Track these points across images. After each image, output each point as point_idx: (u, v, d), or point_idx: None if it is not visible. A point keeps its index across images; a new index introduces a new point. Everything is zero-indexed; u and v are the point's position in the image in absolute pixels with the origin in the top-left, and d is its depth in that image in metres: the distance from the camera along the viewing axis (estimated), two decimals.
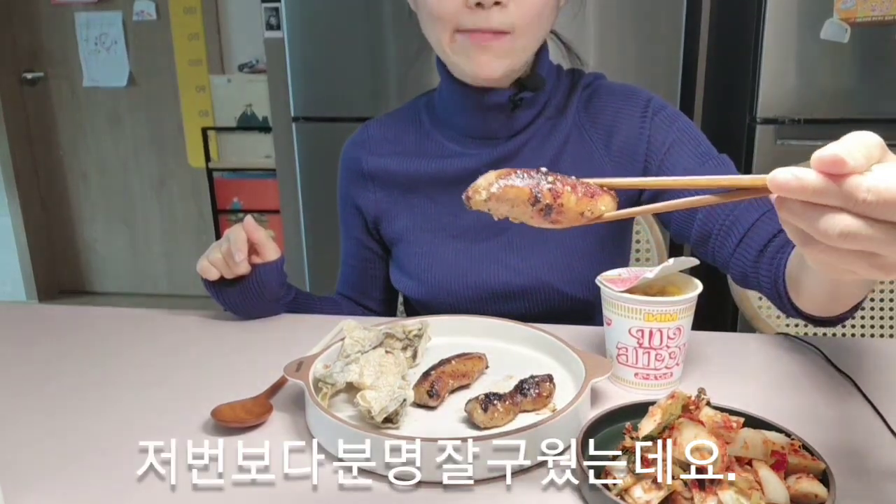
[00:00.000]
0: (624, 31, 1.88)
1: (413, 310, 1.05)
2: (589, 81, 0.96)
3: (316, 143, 2.18)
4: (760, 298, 1.25)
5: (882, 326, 1.28)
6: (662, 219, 0.93)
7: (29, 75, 3.23)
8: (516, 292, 0.92)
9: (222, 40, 3.06)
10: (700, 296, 0.70)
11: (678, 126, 0.90)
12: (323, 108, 2.15)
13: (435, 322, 0.80)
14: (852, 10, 1.73)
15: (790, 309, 0.74)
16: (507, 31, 0.81)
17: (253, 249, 0.91)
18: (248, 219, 0.90)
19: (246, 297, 0.92)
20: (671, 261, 0.70)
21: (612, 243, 0.95)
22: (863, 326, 1.28)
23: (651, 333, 0.69)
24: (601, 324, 0.74)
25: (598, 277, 0.73)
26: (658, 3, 1.85)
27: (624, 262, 0.99)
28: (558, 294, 0.91)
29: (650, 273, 0.70)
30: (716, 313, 2.00)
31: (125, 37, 3.12)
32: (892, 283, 1.26)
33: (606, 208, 0.50)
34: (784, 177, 0.39)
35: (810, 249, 0.41)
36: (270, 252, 0.92)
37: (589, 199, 0.50)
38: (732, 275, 0.83)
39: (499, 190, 0.48)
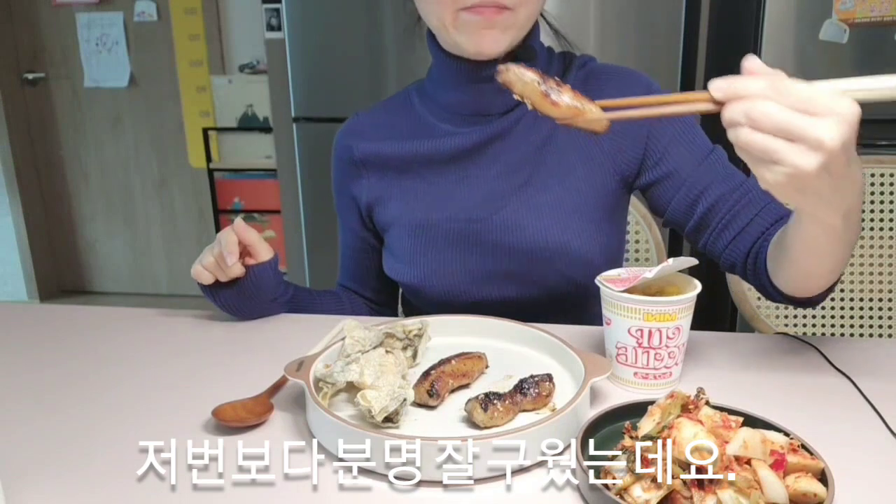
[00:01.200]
0: (624, 32, 1.89)
1: (409, 303, 1.05)
2: (584, 62, 0.95)
3: (316, 143, 2.18)
4: (759, 298, 1.25)
5: (881, 326, 1.28)
6: (657, 207, 0.92)
7: (30, 76, 3.23)
8: (511, 273, 0.91)
9: (223, 41, 3.07)
10: (699, 296, 0.70)
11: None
12: (323, 109, 2.16)
13: (435, 322, 0.81)
14: (851, 11, 1.74)
15: (772, 291, 0.81)
16: (510, 7, 0.81)
17: (246, 251, 0.91)
18: (238, 221, 0.89)
19: (242, 299, 0.92)
20: (670, 261, 0.70)
21: (608, 224, 0.94)
22: (861, 326, 1.29)
23: (650, 333, 0.69)
24: (597, 313, 0.75)
25: (598, 277, 0.73)
26: (657, 3, 1.86)
27: (619, 245, 0.99)
28: (554, 273, 0.91)
29: (649, 273, 0.70)
30: (715, 313, 2.00)
31: (126, 37, 3.12)
32: (891, 283, 1.26)
33: (594, 114, 0.61)
34: (720, 83, 0.56)
35: (742, 137, 0.55)
36: (263, 252, 0.92)
37: (583, 98, 0.62)
38: (722, 264, 0.87)
39: (518, 68, 0.62)
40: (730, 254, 0.85)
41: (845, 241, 0.67)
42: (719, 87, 0.56)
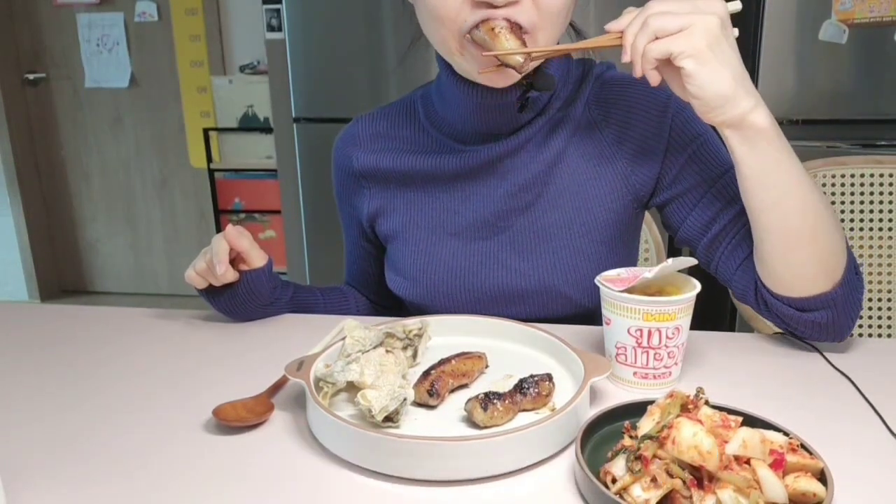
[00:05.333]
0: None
1: (410, 314, 1.04)
2: (600, 72, 0.91)
3: (317, 143, 2.19)
4: None
5: (881, 326, 1.28)
6: (671, 225, 0.89)
7: (31, 76, 3.24)
8: (517, 295, 0.89)
9: (224, 41, 3.07)
10: (698, 295, 0.70)
11: (696, 130, 0.86)
12: (324, 109, 2.16)
13: (435, 322, 0.81)
14: (850, 12, 1.74)
15: (775, 301, 0.78)
16: (527, 30, 0.75)
17: (240, 257, 0.89)
18: (230, 227, 0.87)
19: (237, 304, 0.91)
20: (670, 261, 0.71)
21: (622, 245, 0.91)
22: (860, 326, 1.29)
23: (650, 333, 0.69)
24: (601, 324, 0.75)
25: (597, 277, 0.73)
26: None
27: (632, 265, 0.94)
28: (562, 298, 0.88)
29: (649, 273, 0.70)
30: (714, 313, 2.00)
31: (127, 38, 3.13)
32: (890, 283, 1.26)
33: (506, 49, 0.73)
34: (611, 24, 0.73)
35: (654, 45, 0.68)
36: (256, 259, 0.89)
37: (518, 41, 0.74)
38: (735, 290, 0.83)
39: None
40: (741, 278, 0.81)
41: (790, 171, 0.71)
42: (612, 25, 0.72)
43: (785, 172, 0.71)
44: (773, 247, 0.74)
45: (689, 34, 0.66)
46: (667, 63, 0.69)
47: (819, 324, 0.77)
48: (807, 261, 0.74)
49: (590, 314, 0.89)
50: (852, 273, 0.77)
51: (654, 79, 0.70)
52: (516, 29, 0.74)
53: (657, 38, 0.67)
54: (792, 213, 0.72)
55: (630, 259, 0.95)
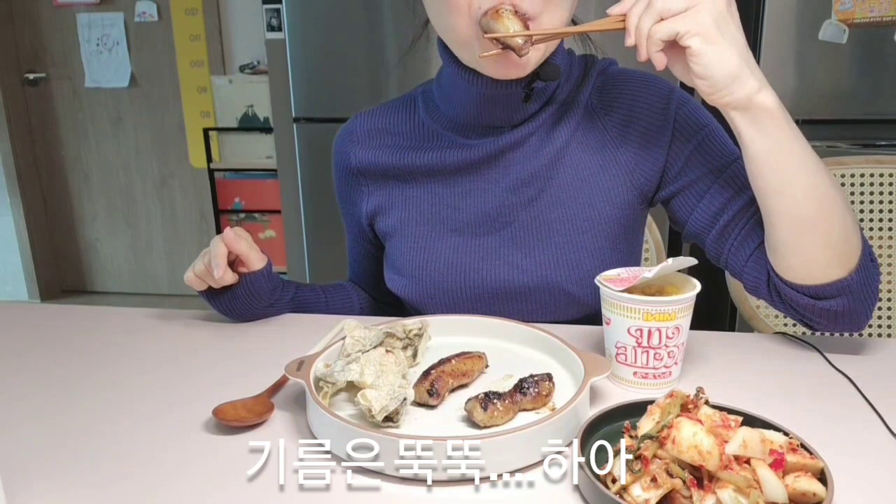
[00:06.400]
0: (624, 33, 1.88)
1: (412, 314, 1.04)
2: (603, 67, 0.90)
3: (317, 143, 2.18)
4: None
5: (881, 326, 1.28)
6: (678, 219, 0.88)
7: (31, 76, 3.24)
8: (518, 292, 0.88)
9: (224, 41, 3.07)
10: (698, 295, 0.70)
11: (701, 121, 0.85)
12: (324, 109, 2.16)
13: (435, 321, 0.81)
14: (850, 12, 1.74)
15: (789, 291, 0.76)
16: (531, 17, 0.75)
17: (239, 259, 0.89)
18: (228, 231, 0.87)
19: (237, 305, 0.91)
20: (670, 260, 0.71)
21: (625, 242, 0.90)
22: None
23: (650, 333, 0.69)
24: (601, 324, 0.75)
25: (597, 277, 0.73)
26: None
27: (636, 264, 0.94)
28: (564, 295, 0.87)
29: (649, 273, 0.70)
30: (714, 313, 2.00)
31: (127, 38, 3.13)
32: (890, 283, 1.26)
33: (510, 31, 0.73)
34: (614, 8, 0.72)
35: (659, 26, 0.67)
36: (255, 262, 0.89)
37: (521, 24, 0.74)
38: (746, 282, 0.82)
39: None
40: (752, 269, 0.80)
41: (798, 152, 0.70)
42: (615, 9, 0.72)
43: (793, 153, 0.70)
44: (784, 232, 0.73)
45: (695, 13, 0.66)
46: (671, 45, 0.68)
47: (836, 312, 0.75)
48: (819, 245, 0.72)
49: (592, 314, 0.88)
50: (867, 259, 0.76)
51: (659, 62, 0.70)
52: (520, 14, 0.74)
53: (662, 20, 0.67)
54: (802, 196, 0.71)
55: (633, 257, 0.94)
